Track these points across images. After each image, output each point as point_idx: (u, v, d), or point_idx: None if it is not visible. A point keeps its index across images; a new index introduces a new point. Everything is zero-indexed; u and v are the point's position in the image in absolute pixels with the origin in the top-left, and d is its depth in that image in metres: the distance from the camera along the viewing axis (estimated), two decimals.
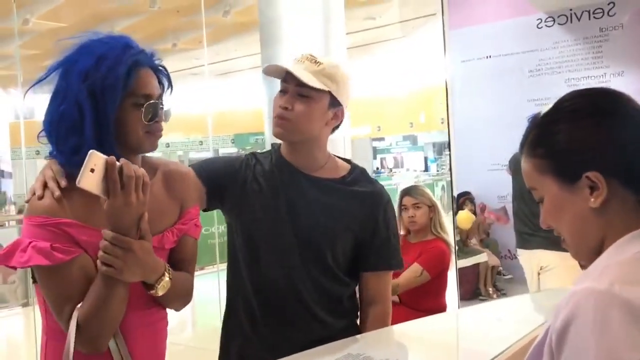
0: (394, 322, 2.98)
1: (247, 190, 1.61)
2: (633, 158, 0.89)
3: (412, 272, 3.02)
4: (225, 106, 14.16)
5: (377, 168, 18.94)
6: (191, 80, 13.43)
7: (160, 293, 1.26)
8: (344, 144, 8.84)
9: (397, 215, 3.23)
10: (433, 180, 15.01)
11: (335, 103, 1.61)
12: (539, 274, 3.51)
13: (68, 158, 1.22)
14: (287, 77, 1.58)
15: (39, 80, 1.25)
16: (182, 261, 1.39)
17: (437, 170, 17.81)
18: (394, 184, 14.06)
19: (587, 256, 0.96)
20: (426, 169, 18.58)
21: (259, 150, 1.75)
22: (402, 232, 3.24)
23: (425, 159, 19.11)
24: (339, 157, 1.73)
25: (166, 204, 1.36)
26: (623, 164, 0.89)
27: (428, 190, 3.31)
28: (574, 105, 0.95)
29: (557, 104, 0.97)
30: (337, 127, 1.68)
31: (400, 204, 3.23)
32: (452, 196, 4.49)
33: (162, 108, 1.29)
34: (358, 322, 1.74)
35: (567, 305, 0.81)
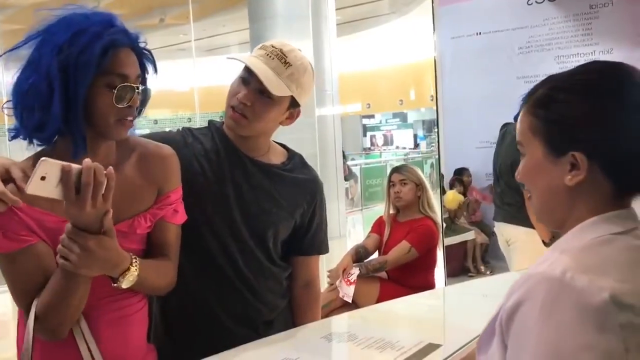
0: (383, 298, 3.04)
1: (189, 171, 1.50)
2: (621, 149, 0.88)
3: (401, 249, 3.04)
4: (212, 82, 14.03)
5: (369, 147, 18.89)
6: (178, 56, 13.28)
7: (124, 286, 1.20)
8: (333, 122, 8.82)
9: (386, 192, 3.25)
10: (422, 158, 15.01)
11: (294, 104, 1.58)
12: (508, 245, 3.57)
13: (30, 134, 1.18)
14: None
15: (16, 47, 1.19)
16: (160, 246, 1.34)
17: (427, 148, 17.81)
18: (383, 161, 14.07)
19: (548, 223, 0.97)
20: (416, 147, 18.58)
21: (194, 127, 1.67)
22: (391, 211, 3.25)
23: (415, 136, 19.08)
24: (276, 143, 1.70)
25: (140, 188, 1.30)
26: (610, 153, 0.88)
27: (418, 170, 3.32)
28: (584, 79, 0.92)
29: (573, 71, 0.94)
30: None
31: (389, 181, 3.25)
32: (440, 174, 4.50)
33: (139, 93, 1.21)
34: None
35: (520, 288, 0.82)
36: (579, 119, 0.89)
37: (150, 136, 1.63)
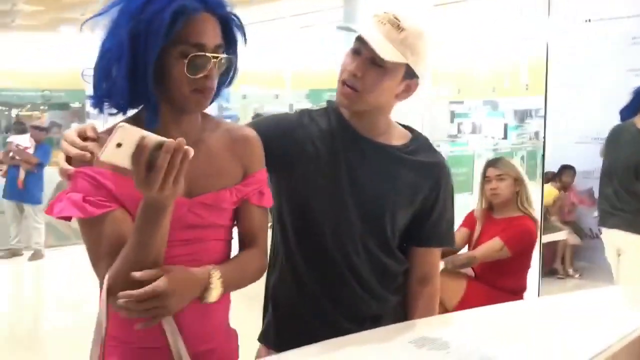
0: (469, 297, 2.88)
1: (303, 153, 1.46)
2: None
3: (491, 246, 2.86)
4: (301, 61, 14.02)
5: (455, 134, 18.32)
6: (269, 32, 13.33)
7: (212, 301, 1.16)
8: (420, 106, 8.56)
9: (480, 187, 3.06)
10: (512, 149, 14.41)
11: (410, 74, 1.45)
12: (618, 255, 3.33)
13: (100, 101, 1.16)
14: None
15: (98, 14, 1.16)
16: (248, 234, 1.30)
17: (517, 139, 17.04)
18: (471, 149, 13.60)
19: None
20: (505, 137, 17.86)
21: (313, 108, 1.58)
22: (484, 206, 3.06)
23: (505, 125, 18.35)
24: (399, 124, 1.58)
25: (226, 162, 1.26)
26: None
27: (516, 163, 3.10)
28: None
29: None
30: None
31: (484, 176, 3.04)
32: (543, 167, 4.26)
33: (221, 62, 1.15)
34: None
35: None
36: None
37: (265, 119, 1.62)
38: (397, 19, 1.40)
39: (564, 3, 4.09)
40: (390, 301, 1.55)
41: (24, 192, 6.60)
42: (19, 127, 7.65)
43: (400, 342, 1.32)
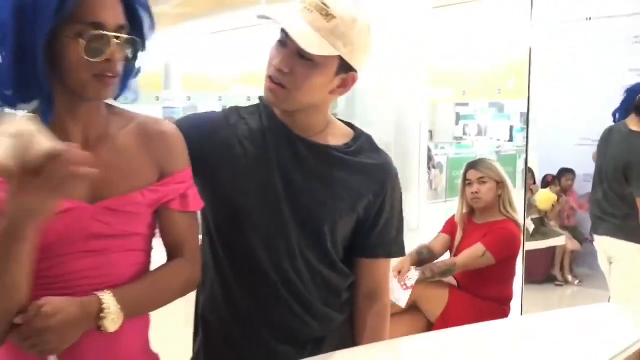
0: (452, 308, 2.73)
1: (229, 155, 1.32)
2: None
3: (473, 252, 2.72)
4: None
5: (460, 137, 18.19)
6: (264, 35, 13.23)
7: (111, 329, 1.01)
8: (423, 108, 8.40)
9: (460, 191, 2.91)
10: (517, 151, 14.23)
11: (345, 68, 1.30)
12: (610, 263, 3.18)
13: None
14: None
15: None
16: (172, 244, 1.17)
17: (523, 141, 16.87)
18: (474, 152, 13.45)
19: None
20: (511, 139, 17.69)
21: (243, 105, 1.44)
22: (464, 210, 2.91)
23: (511, 128, 18.17)
24: (340, 121, 1.44)
25: (137, 161, 1.12)
26: None
27: (498, 165, 2.94)
28: None
29: None
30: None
31: (464, 179, 2.90)
32: (526, 170, 4.15)
33: (125, 43, 1.03)
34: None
35: None
36: None
37: (187, 118, 1.46)
38: (325, 5, 1.23)
39: (565, 1, 3.99)
40: (334, 320, 1.39)
41: None
42: None
43: None
